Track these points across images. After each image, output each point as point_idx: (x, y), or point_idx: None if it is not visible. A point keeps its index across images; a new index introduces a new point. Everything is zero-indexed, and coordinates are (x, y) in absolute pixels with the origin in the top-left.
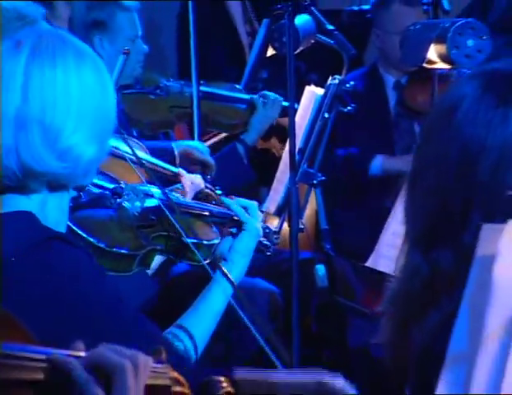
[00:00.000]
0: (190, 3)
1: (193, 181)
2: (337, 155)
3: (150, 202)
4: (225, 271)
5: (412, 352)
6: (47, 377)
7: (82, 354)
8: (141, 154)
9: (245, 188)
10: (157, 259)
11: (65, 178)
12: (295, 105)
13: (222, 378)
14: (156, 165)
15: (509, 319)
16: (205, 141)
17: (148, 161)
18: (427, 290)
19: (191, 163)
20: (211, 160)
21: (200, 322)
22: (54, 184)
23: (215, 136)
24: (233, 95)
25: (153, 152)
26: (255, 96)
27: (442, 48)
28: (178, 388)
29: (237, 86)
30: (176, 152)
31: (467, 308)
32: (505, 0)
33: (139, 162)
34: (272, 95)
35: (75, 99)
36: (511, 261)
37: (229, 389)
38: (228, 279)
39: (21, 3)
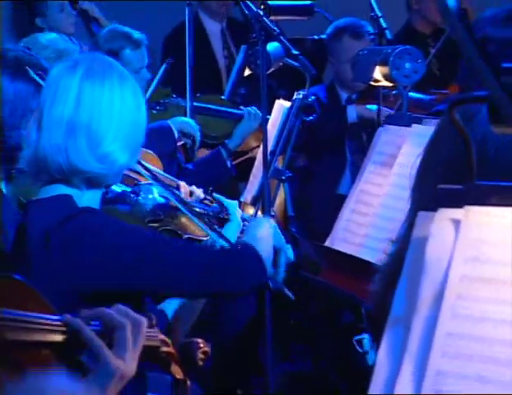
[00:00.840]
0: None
1: (193, 191)
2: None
3: (160, 200)
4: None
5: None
6: (63, 337)
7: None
8: (152, 167)
9: (227, 183)
10: None
11: (101, 177)
12: (268, 116)
13: (200, 340)
14: (162, 176)
15: (437, 289)
16: None
17: (158, 173)
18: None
19: (183, 135)
20: (198, 136)
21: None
22: (91, 182)
23: None
24: (225, 109)
25: (154, 132)
26: (245, 110)
27: (385, 69)
28: (165, 348)
29: (223, 99)
30: (173, 128)
31: (406, 279)
32: None
33: (151, 175)
34: (255, 109)
35: (116, 114)
36: (440, 242)
37: (206, 349)
38: None
39: (59, 38)
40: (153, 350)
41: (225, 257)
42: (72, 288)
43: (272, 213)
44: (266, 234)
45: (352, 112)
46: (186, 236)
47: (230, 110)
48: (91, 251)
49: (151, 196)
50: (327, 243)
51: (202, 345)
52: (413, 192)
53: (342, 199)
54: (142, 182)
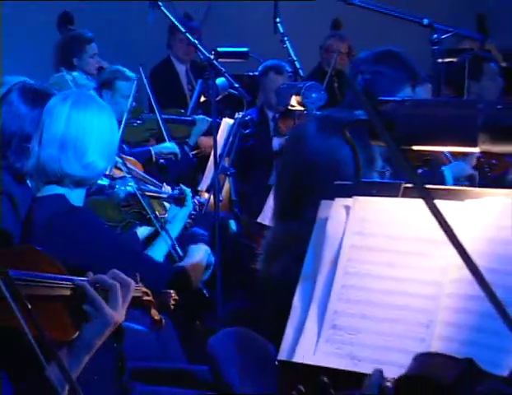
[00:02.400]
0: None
1: (161, 186)
2: None
3: (130, 190)
4: (168, 229)
5: (273, 277)
6: (70, 292)
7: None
8: (133, 167)
9: (190, 174)
10: (143, 231)
11: (85, 180)
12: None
13: (172, 291)
14: (145, 177)
15: (334, 254)
16: None
17: (139, 173)
18: (285, 241)
19: (165, 155)
20: (178, 152)
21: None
22: (78, 183)
23: None
24: (182, 117)
25: (137, 155)
26: (196, 117)
27: (298, 98)
28: (145, 298)
29: (183, 111)
30: (152, 151)
31: (313, 247)
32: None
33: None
34: (203, 116)
35: (96, 133)
36: (336, 221)
37: (176, 297)
38: (169, 235)
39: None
40: (137, 299)
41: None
42: (65, 264)
43: (221, 198)
44: (202, 257)
45: (276, 143)
46: (148, 216)
47: (186, 118)
48: (78, 239)
49: (123, 188)
50: (258, 220)
51: (173, 294)
52: (276, 200)
53: (270, 187)
54: (118, 176)
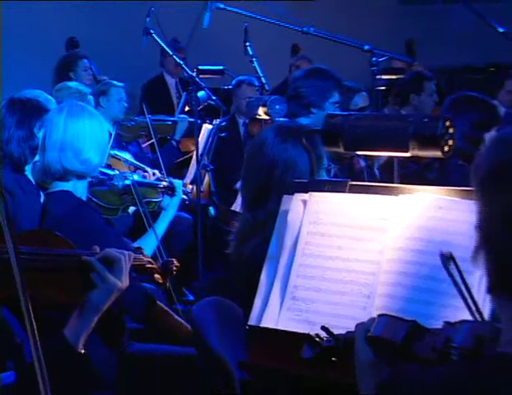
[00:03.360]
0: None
1: (154, 173)
2: None
3: (127, 182)
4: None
5: (243, 257)
6: (80, 264)
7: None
8: (128, 157)
9: (177, 168)
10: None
11: (84, 173)
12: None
13: (174, 259)
14: (136, 164)
15: (294, 239)
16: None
17: (131, 162)
18: (252, 227)
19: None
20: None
21: (151, 240)
22: (79, 176)
23: None
24: (167, 118)
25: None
26: (177, 117)
27: (265, 109)
28: (149, 265)
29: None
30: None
31: (277, 234)
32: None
33: (126, 161)
34: (184, 116)
35: (88, 135)
36: (295, 212)
37: (177, 264)
38: (166, 220)
39: (79, 84)
40: (142, 267)
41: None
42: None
43: (202, 189)
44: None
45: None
46: (145, 200)
47: (170, 118)
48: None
49: (121, 181)
50: (232, 208)
51: (175, 262)
52: (244, 193)
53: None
54: (117, 170)
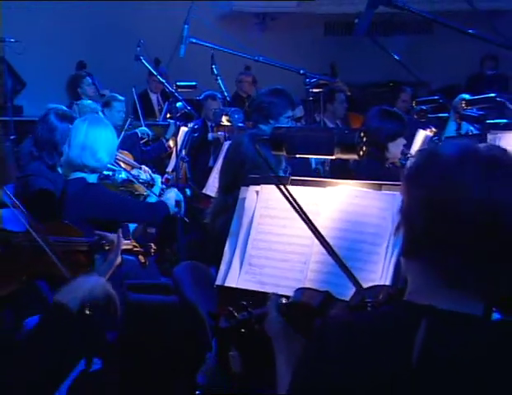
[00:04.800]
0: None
1: (144, 170)
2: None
3: (124, 177)
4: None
5: (216, 229)
6: (87, 247)
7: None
8: (128, 158)
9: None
10: None
11: (97, 169)
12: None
13: (152, 244)
14: (132, 163)
15: (249, 219)
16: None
17: (129, 161)
18: (224, 207)
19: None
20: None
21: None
22: (93, 170)
23: None
24: (160, 122)
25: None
26: (169, 121)
27: (227, 117)
28: (135, 249)
29: (157, 119)
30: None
31: (237, 216)
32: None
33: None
34: (172, 121)
35: (103, 140)
36: (250, 199)
37: (155, 247)
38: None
39: (92, 103)
40: (130, 250)
41: (151, 205)
42: (88, 219)
43: (180, 176)
44: (172, 195)
45: (210, 136)
46: (136, 193)
47: (163, 122)
48: (97, 201)
49: (120, 175)
50: (203, 191)
51: (153, 245)
52: (220, 180)
53: (211, 168)
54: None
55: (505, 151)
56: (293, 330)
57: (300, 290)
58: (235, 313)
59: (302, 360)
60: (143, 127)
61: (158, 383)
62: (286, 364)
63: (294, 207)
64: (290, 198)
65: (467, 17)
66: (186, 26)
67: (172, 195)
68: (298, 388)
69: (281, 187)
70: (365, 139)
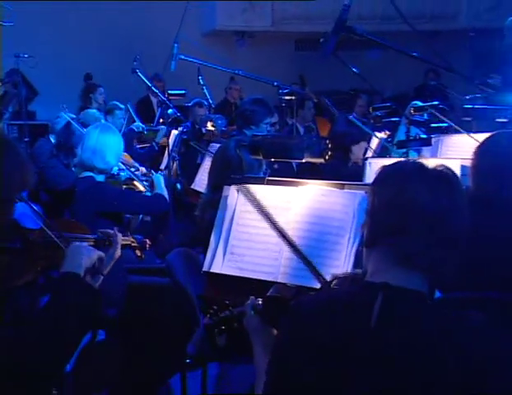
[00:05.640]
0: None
1: (141, 170)
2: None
3: (126, 176)
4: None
5: (205, 221)
6: (93, 243)
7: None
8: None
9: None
10: None
11: (104, 170)
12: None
13: (147, 240)
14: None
15: (231, 214)
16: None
17: (128, 162)
18: (211, 202)
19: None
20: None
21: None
22: (100, 171)
23: None
24: (155, 128)
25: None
26: (159, 127)
27: (212, 123)
28: (133, 244)
29: (152, 125)
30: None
31: (220, 211)
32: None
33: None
34: (163, 126)
35: (111, 145)
36: (232, 197)
37: (149, 243)
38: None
39: (96, 112)
40: (128, 245)
41: (153, 198)
42: (97, 212)
43: (172, 172)
44: (161, 180)
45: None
46: (137, 190)
47: (154, 128)
48: (105, 197)
49: (123, 174)
50: (192, 186)
51: (148, 242)
52: (208, 179)
53: (199, 165)
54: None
55: (451, 170)
56: (269, 325)
57: (276, 286)
58: (218, 313)
59: (279, 333)
60: (138, 123)
61: (154, 352)
62: (263, 354)
63: (256, 207)
64: (252, 199)
65: (410, 36)
66: (176, 45)
67: (161, 179)
68: (277, 354)
69: (243, 189)
70: (330, 145)
